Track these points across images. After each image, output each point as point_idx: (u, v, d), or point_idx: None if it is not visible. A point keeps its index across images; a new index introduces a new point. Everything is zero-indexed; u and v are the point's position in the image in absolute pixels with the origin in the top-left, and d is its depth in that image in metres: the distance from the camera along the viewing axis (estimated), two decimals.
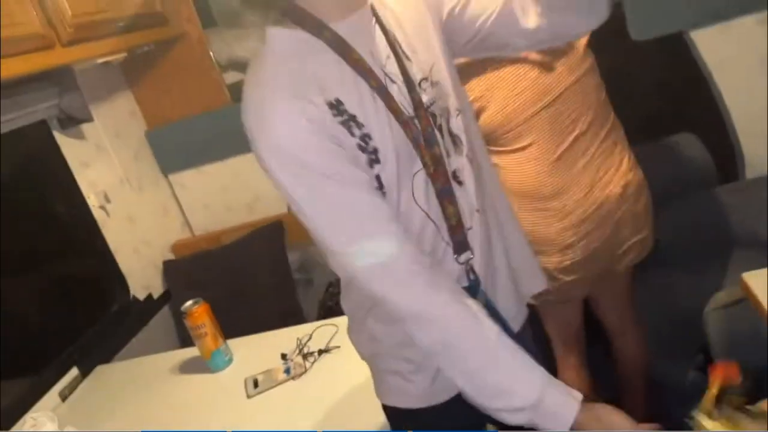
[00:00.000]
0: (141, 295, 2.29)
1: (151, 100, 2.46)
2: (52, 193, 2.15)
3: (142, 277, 2.33)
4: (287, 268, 2.34)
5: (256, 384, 1.58)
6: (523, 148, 1.44)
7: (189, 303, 1.69)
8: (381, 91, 0.89)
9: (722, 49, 2.00)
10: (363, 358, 1.13)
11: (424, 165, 0.91)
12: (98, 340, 2.08)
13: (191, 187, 2.54)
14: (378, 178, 0.88)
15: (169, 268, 2.42)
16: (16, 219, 1.98)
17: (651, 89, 2.13)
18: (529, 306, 1.14)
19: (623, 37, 1.95)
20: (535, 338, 1.15)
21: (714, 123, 2.06)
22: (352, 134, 0.86)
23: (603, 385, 1.83)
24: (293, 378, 1.56)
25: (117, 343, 2.12)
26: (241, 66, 2.46)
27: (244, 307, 2.25)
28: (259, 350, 1.77)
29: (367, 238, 0.87)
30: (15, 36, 1.55)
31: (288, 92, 0.84)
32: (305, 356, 1.61)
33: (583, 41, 1.45)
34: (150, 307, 2.32)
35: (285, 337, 1.77)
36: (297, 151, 0.83)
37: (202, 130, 2.45)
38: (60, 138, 2.09)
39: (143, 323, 2.25)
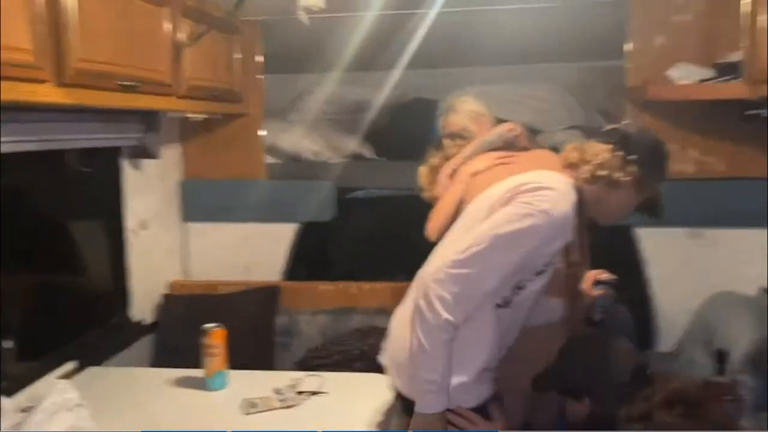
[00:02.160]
0: (136, 317, 2.55)
1: (197, 156, 2.85)
2: (97, 210, 2.45)
3: (142, 302, 2.59)
4: (272, 328, 2.66)
5: (253, 405, 1.86)
6: None
7: (212, 324, 1.99)
8: None
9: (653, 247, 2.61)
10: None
11: None
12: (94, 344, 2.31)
13: (203, 238, 2.88)
14: None
15: (166, 301, 2.69)
16: (65, 222, 2.32)
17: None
18: None
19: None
20: None
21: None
22: None
23: None
24: (288, 407, 1.85)
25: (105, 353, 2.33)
26: (277, 152, 2.91)
27: None
28: (251, 382, 2.04)
29: None
30: (149, 79, 1.93)
31: None
32: (299, 393, 1.91)
33: None
34: (140, 329, 2.56)
35: (275, 378, 2.06)
36: None
37: (229, 192, 2.85)
38: (123, 165, 2.43)
39: (129, 342, 2.49)
